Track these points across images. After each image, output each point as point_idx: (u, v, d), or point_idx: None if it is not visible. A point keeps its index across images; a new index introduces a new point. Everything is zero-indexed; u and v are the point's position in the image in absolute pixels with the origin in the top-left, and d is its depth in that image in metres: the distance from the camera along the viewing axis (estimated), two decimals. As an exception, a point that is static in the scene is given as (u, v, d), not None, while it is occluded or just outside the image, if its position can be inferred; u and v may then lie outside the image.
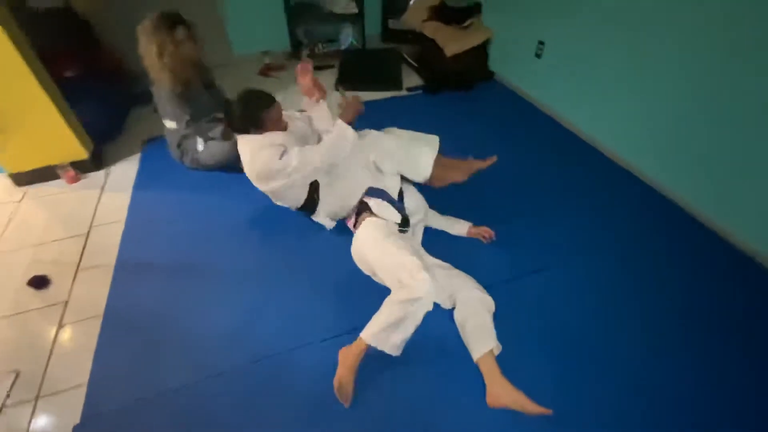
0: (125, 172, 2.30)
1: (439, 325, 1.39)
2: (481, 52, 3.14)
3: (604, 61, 2.22)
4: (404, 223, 1.53)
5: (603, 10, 2.14)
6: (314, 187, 1.68)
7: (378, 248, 1.32)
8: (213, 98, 2.20)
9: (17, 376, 1.36)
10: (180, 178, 2.21)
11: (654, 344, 1.39)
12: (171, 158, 2.21)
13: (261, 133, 1.62)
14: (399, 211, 1.55)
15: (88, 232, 1.92)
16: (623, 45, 2.08)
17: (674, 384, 1.28)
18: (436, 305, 1.26)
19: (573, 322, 1.47)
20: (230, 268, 1.71)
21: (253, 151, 1.55)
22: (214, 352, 1.40)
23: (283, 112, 1.70)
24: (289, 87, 3.18)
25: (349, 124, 1.58)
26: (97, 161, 2.31)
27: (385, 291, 1.47)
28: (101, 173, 2.30)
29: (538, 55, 2.69)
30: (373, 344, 1.18)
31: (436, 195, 1.83)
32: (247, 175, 1.63)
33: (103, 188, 2.19)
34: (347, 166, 1.61)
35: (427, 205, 1.75)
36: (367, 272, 1.50)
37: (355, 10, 3.36)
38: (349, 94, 1.80)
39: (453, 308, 1.41)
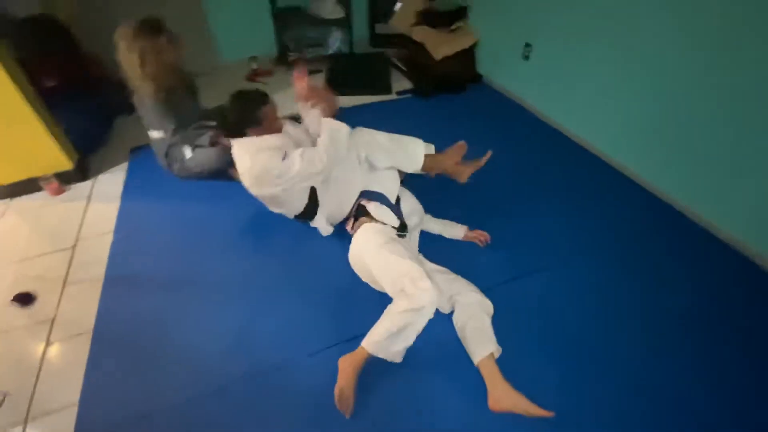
0: (112, 182, 2.25)
1: (437, 329, 1.38)
2: (468, 55, 3.17)
3: (591, 62, 2.26)
4: (402, 228, 1.52)
5: (589, 12, 2.17)
6: (314, 191, 1.66)
7: (378, 255, 1.31)
8: (197, 105, 2.17)
9: (5, 397, 1.31)
10: (169, 186, 2.17)
11: (653, 344, 1.41)
12: (159, 167, 2.17)
13: (259, 132, 1.59)
14: (397, 215, 1.54)
15: (75, 246, 1.86)
16: (610, 46, 2.11)
17: (674, 384, 1.29)
18: (435, 310, 1.26)
19: (571, 323, 1.48)
20: (223, 279, 1.68)
21: (252, 154, 1.51)
22: (210, 366, 1.36)
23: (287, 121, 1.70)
24: (277, 92, 3.15)
25: (332, 114, 1.57)
26: (82, 172, 2.26)
27: (381, 298, 1.47)
28: (87, 184, 2.24)
29: (525, 57, 2.72)
30: (374, 353, 1.17)
31: (431, 198, 1.83)
32: (242, 179, 1.59)
33: (89, 199, 2.14)
34: (343, 166, 1.58)
35: (423, 210, 1.75)
36: (364, 278, 1.49)
37: (343, 15, 3.36)
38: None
39: (451, 312, 1.41)
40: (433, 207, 1.83)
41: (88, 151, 2.40)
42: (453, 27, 3.16)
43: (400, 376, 1.30)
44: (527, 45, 2.67)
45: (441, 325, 1.39)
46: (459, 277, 1.46)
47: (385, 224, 1.49)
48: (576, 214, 1.95)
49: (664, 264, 1.70)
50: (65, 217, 2.02)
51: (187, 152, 2.06)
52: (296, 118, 1.93)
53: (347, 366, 1.20)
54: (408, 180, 1.79)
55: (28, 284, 1.66)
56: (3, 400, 1.30)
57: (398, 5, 3.59)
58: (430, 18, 3.22)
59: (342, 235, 1.77)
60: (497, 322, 1.35)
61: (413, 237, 1.67)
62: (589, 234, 1.84)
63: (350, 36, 3.51)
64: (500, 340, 1.30)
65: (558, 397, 1.23)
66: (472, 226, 1.78)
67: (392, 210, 1.55)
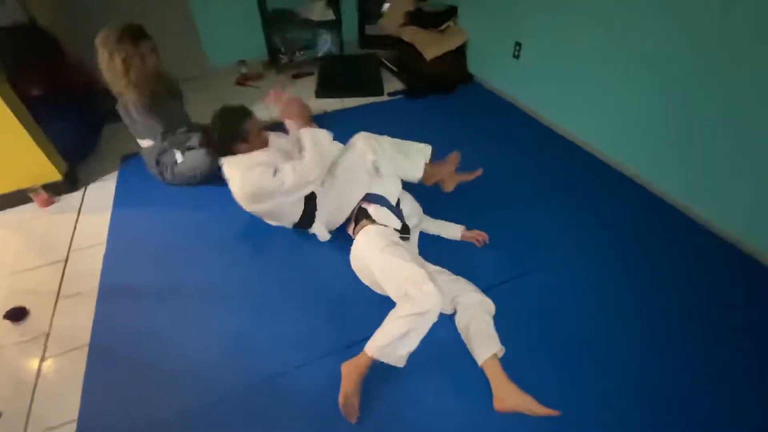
0: (103, 191, 2.21)
1: (439, 330, 1.36)
2: (459, 55, 3.18)
3: (581, 60, 2.28)
4: (404, 230, 1.52)
5: (579, 9, 2.19)
6: (311, 199, 1.65)
7: (381, 258, 1.30)
8: (184, 108, 2.14)
9: (-1, 417, 1.28)
10: (161, 194, 2.14)
11: (653, 343, 1.41)
12: (151, 174, 2.14)
13: (246, 148, 1.59)
14: (398, 218, 1.54)
15: (67, 258, 1.82)
16: (600, 42, 2.13)
17: (674, 383, 1.30)
18: (439, 313, 1.25)
19: (571, 322, 1.48)
20: (220, 286, 1.66)
21: (242, 172, 1.51)
22: (210, 377, 1.34)
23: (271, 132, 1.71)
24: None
25: (307, 123, 1.59)
26: (71, 182, 2.21)
27: (382, 302, 1.47)
28: (77, 194, 2.20)
29: (515, 56, 2.74)
30: (378, 358, 1.17)
31: (427, 200, 1.84)
32: (235, 198, 1.59)
33: (79, 210, 2.10)
34: (349, 169, 1.58)
35: (421, 211, 1.76)
36: (366, 281, 1.48)
37: (332, 17, 3.35)
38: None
39: (453, 313, 1.41)
40: (430, 208, 1.83)
41: (77, 161, 2.35)
42: (442, 27, 3.17)
43: (403, 379, 1.30)
44: (517, 44, 2.69)
45: (442, 326, 1.38)
46: (459, 277, 1.46)
47: (386, 226, 1.48)
48: (573, 213, 1.96)
49: (663, 262, 1.70)
50: (56, 229, 1.98)
51: (178, 156, 2.03)
52: (280, 125, 1.91)
53: (351, 371, 1.20)
54: (405, 182, 1.78)
55: (20, 299, 1.62)
56: (-2, 420, 1.26)
57: (386, 6, 3.59)
58: (420, 18, 3.22)
59: (339, 239, 1.76)
60: (497, 321, 1.35)
61: (413, 238, 1.67)
62: (587, 232, 1.85)
63: (340, 38, 3.50)
64: (501, 340, 1.30)
65: (559, 396, 1.22)
66: (469, 227, 1.79)
67: (393, 212, 1.54)
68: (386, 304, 1.36)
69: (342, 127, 2.09)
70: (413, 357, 1.24)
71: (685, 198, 1.95)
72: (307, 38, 3.56)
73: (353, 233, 1.55)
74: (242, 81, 3.31)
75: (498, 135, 2.57)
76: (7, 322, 1.54)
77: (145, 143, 2.06)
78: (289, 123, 1.81)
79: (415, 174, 1.67)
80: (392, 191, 1.60)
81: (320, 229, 1.74)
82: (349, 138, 1.75)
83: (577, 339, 1.43)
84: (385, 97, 3.05)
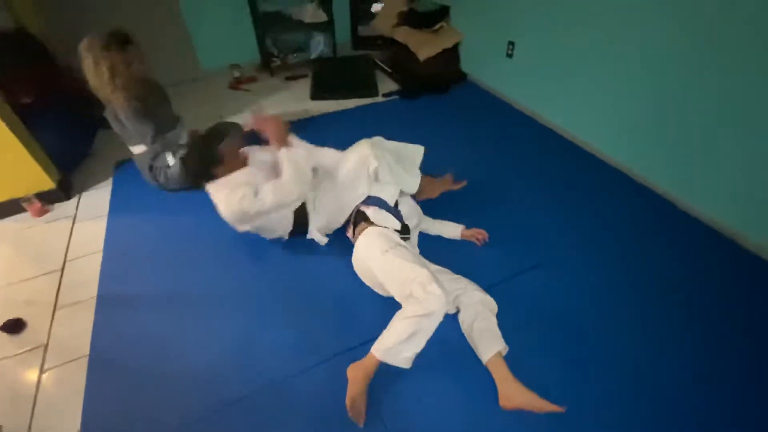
0: (97, 198, 2.18)
1: (443, 329, 1.37)
2: (452, 54, 3.19)
3: (574, 57, 2.29)
4: (404, 230, 1.52)
5: (570, 8, 2.21)
6: (301, 210, 1.66)
7: (384, 260, 1.30)
8: (172, 110, 2.12)
9: (-1, 432, 1.25)
10: (157, 200, 2.12)
11: (654, 339, 1.42)
12: (145, 180, 2.12)
13: (225, 171, 1.62)
14: (397, 218, 1.54)
15: (63, 267, 1.80)
16: (592, 40, 2.16)
17: (676, 378, 1.31)
18: (444, 314, 1.25)
19: (573, 318, 1.49)
20: (220, 292, 1.65)
21: (225, 195, 1.54)
22: (213, 384, 1.33)
23: (243, 148, 1.74)
24: (262, 99, 3.12)
25: (285, 143, 1.62)
26: (65, 190, 2.18)
27: (384, 303, 1.47)
28: (71, 202, 2.17)
29: (509, 55, 2.76)
30: (384, 360, 1.16)
31: (427, 199, 1.84)
32: (225, 220, 1.60)
33: (74, 218, 2.07)
34: (350, 172, 1.59)
35: (421, 211, 1.76)
36: (369, 283, 1.48)
37: (325, 18, 3.34)
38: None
39: (456, 312, 1.41)
40: (430, 208, 1.83)
41: (70, 168, 2.32)
42: (435, 27, 3.17)
43: (408, 379, 1.30)
44: (510, 43, 2.70)
45: (445, 325, 1.37)
46: (461, 276, 1.47)
47: (386, 228, 1.48)
48: (571, 210, 1.97)
49: (662, 258, 1.72)
50: (51, 239, 1.95)
51: (170, 159, 2.01)
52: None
53: (357, 374, 1.19)
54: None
55: (16, 311, 1.60)
56: (-2, 435, 1.24)
57: (376, 6, 3.59)
58: (412, 19, 3.23)
59: (337, 241, 1.76)
60: (499, 320, 1.35)
61: (413, 239, 1.67)
62: (586, 229, 1.86)
63: (333, 39, 3.49)
64: (504, 338, 1.31)
65: (562, 392, 1.23)
66: (469, 226, 1.79)
67: (392, 213, 1.54)
68: (389, 305, 1.36)
69: (339, 129, 2.10)
70: (418, 357, 1.24)
71: (679, 193, 1.97)
72: (299, 40, 3.55)
73: (353, 237, 1.55)
74: (236, 85, 3.29)
75: (493, 134, 2.59)
76: (4, 334, 1.52)
77: (137, 149, 2.03)
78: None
79: (411, 190, 1.72)
80: (390, 194, 1.61)
81: (317, 235, 1.74)
82: (349, 140, 1.75)
83: (579, 335, 1.44)
84: (380, 98, 3.05)
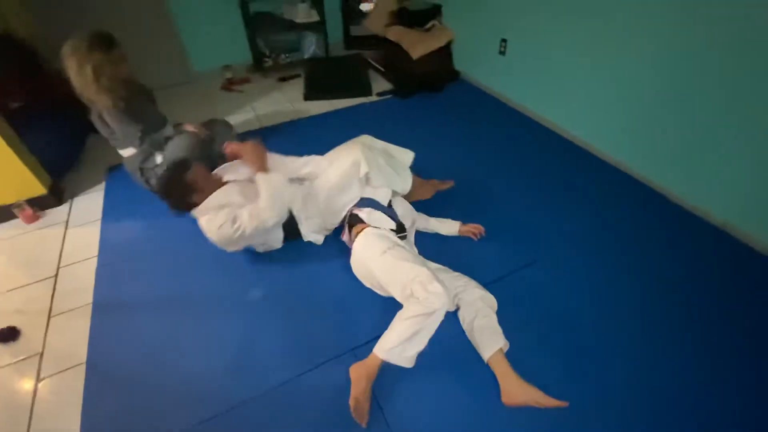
0: (90, 203, 2.15)
1: (443, 327, 1.37)
2: (445, 53, 3.19)
3: (566, 54, 2.31)
4: (400, 229, 1.52)
5: (562, 4, 2.22)
6: (289, 221, 1.66)
7: (383, 261, 1.29)
8: (158, 110, 2.11)
9: (-5, 443, 1.23)
10: (151, 203, 2.08)
11: (655, 334, 1.43)
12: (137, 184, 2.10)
13: (201, 196, 1.61)
14: (392, 218, 1.54)
15: (57, 274, 1.77)
16: (585, 36, 2.17)
17: (677, 373, 1.31)
18: (446, 312, 1.26)
19: (572, 314, 1.50)
20: (218, 296, 1.63)
21: (207, 221, 1.54)
22: (214, 390, 1.32)
23: (222, 167, 1.74)
24: (256, 99, 3.10)
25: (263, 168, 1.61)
26: (57, 195, 2.15)
27: (384, 303, 1.47)
28: (63, 208, 2.14)
29: (501, 53, 2.77)
30: (387, 360, 1.16)
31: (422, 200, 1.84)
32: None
33: (67, 224, 2.04)
34: (343, 176, 1.56)
35: (414, 210, 1.75)
36: (368, 284, 1.47)
37: (317, 18, 3.32)
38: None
39: (456, 310, 1.41)
40: (429, 208, 1.84)
41: (61, 173, 2.29)
42: (428, 26, 3.18)
43: (411, 378, 1.29)
44: (503, 40, 2.71)
45: (446, 323, 1.37)
46: (460, 274, 1.47)
47: (382, 228, 1.48)
48: (569, 206, 1.98)
49: (661, 255, 1.72)
50: (43, 245, 1.92)
51: (158, 158, 1.99)
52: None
53: (360, 375, 1.19)
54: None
55: (10, 319, 1.57)
56: (-6, 446, 1.22)
57: (364, 5, 3.59)
58: (405, 18, 3.23)
59: (336, 242, 1.75)
60: (499, 316, 1.36)
61: (410, 238, 1.67)
62: (583, 225, 1.87)
63: (325, 39, 3.48)
64: (504, 335, 1.31)
65: (564, 387, 1.23)
66: (465, 223, 1.79)
67: (386, 213, 1.54)
68: (390, 304, 1.36)
69: (334, 129, 2.10)
70: (420, 356, 1.24)
71: (677, 190, 1.99)
72: (291, 41, 3.54)
73: (349, 241, 1.55)
74: (228, 86, 3.27)
75: (488, 131, 2.59)
76: (-2, 343, 1.49)
77: (126, 153, 2.01)
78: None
79: (402, 191, 1.71)
80: (383, 195, 1.60)
81: (312, 237, 1.74)
82: (343, 140, 1.75)
83: (579, 330, 1.45)
84: (374, 98, 3.04)
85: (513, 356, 1.27)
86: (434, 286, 1.14)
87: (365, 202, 1.56)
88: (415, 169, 1.79)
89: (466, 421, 1.21)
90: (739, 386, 1.28)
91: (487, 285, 1.45)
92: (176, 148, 1.95)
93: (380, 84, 3.22)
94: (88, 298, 1.65)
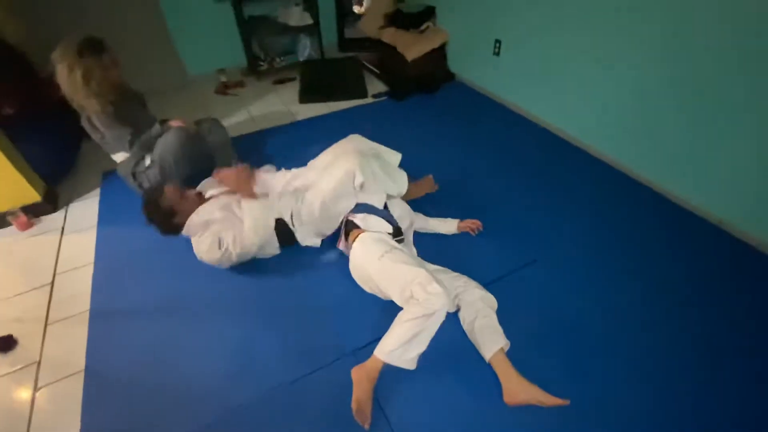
0: (86, 209, 2.14)
1: (444, 328, 1.37)
2: (440, 54, 3.21)
3: (561, 53, 2.33)
4: (397, 233, 1.52)
5: (555, 4, 2.24)
6: (285, 230, 1.67)
7: (381, 265, 1.29)
8: (149, 113, 2.10)
9: (-7, 454, 1.21)
10: (147, 209, 2.07)
11: (655, 331, 1.44)
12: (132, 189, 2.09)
13: (182, 217, 1.65)
14: (388, 221, 1.54)
15: (53, 281, 1.75)
16: (579, 36, 2.19)
17: (676, 372, 1.32)
18: (446, 313, 1.26)
19: (572, 312, 1.51)
20: (216, 300, 1.62)
21: (195, 243, 1.62)
22: (215, 395, 1.31)
23: (203, 183, 1.83)
24: (251, 103, 3.09)
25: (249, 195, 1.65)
26: (51, 202, 2.13)
27: (384, 305, 1.47)
28: (58, 215, 2.12)
29: (496, 54, 2.78)
30: (388, 362, 1.16)
31: (424, 200, 1.85)
32: None
33: (62, 231, 2.02)
34: (337, 191, 1.54)
35: (412, 211, 1.76)
36: (368, 289, 1.47)
37: (311, 21, 3.32)
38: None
39: (456, 311, 1.42)
40: (428, 209, 1.84)
41: (56, 180, 2.27)
42: (422, 28, 3.19)
43: (412, 380, 1.29)
44: (497, 41, 2.73)
45: (446, 323, 1.37)
46: (460, 274, 1.48)
47: (379, 232, 1.47)
48: (566, 205, 1.99)
49: (659, 252, 1.73)
50: (38, 253, 1.90)
51: (148, 160, 1.99)
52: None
53: (362, 377, 1.19)
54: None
55: (6, 328, 1.55)
56: (-8, 457, 1.20)
57: (356, 7, 3.60)
58: (399, 20, 3.24)
59: (334, 245, 1.75)
60: (499, 316, 1.36)
61: (407, 239, 1.67)
62: (581, 224, 1.88)
63: (320, 42, 3.48)
64: (504, 334, 1.32)
65: (565, 386, 1.23)
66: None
67: (383, 216, 1.54)
68: (390, 306, 1.36)
69: (330, 132, 2.09)
70: (421, 357, 1.24)
71: (675, 189, 2.00)
72: (286, 43, 3.54)
73: (345, 248, 1.55)
74: (223, 90, 3.26)
75: (484, 132, 2.60)
76: (-6, 353, 1.47)
77: (118, 157, 2.01)
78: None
79: (398, 194, 1.70)
80: (378, 199, 1.59)
81: (309, 241, 1.74)
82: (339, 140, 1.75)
83: (580, 329, 1.45)
84: (369, 99, 3.05)
85: (514, 356, 1.28)
86: (433, 287, 1.14)
87: (361, 208, 1.55)
88: (412, 169, 1.79)
89: (469, 421, 1.22)
90: (740, 384, 1.29)
91: (487, 285, 1.46)
92: (167, 145, 1.95)
93: (375, 86, 3.23)
94: (86, 305, 1.63)
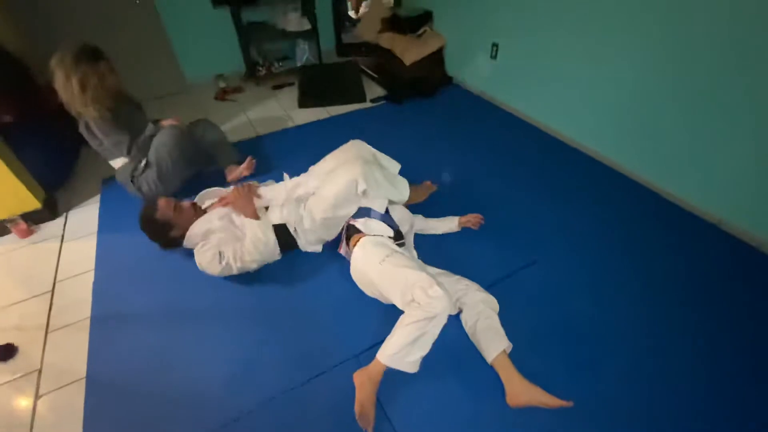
0: (85, 216, 2.13)
1: (446, 331, 1.37)
2: (437, 58, 3.23)
3: (556, 55, 2.35)
4: (398, 236, 1.52)
5: (550, 8, 2.26)
6: (286, 237, 1.67)
7: (382, 269, 1.29)
8: (146, 118, 2.11)
9: (-6, 463, 1.21)
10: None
11: (656, 329, 1.44)
12: (132, 195, 2.09)
13: (179, 231, 1.67)
14: (389, 225, 1.54)
15: (53, 289, 1.75)
16: (574, 39, 2.21)
17: (677, 373, 1.32)
18: (448, 316, 1.26)
19: (573, 312, 1.51)
20: (217, 307, 1.62)
21: (197, 252, 1.62)
22: (217, 402, 1.31)
23: (200, 195, 1.84)
24: (250, 108, 3.10)
25: (251, 213, 1.66)
26: (51, 209, 2.13)
27: (385, 309, 1.47)
28: (58, 222, 2.11)
29: (493, 57, 2.80)
30: (390, 365, 1.16)
31: (424, 202, 1.85)
32: None
33: (62, 238, 2.02)
34: (340, 198, 1.54)
35: (412, 215, 1.76)
36: (370, 293, 1.47)
37: (309, 26, 3.34)
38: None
39: (458, 313, 1.42)
40: (425, 212, 1.85)
41: (55, 187, 2.27)
42: (419, 32, 3.21)
43: (415, 383, 1.29)
44: (494, 45, 2.75)
45: (448, 326, 1.37)
46: (461, 277, 1.48)
47: (380, 236, 1.48)
48: (564, 206, 2.00)
49: (659, 252, 1.74)
50: (38, 260, 1.89)
51: (143, 162, 2.00)
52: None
53: (364, 381, 1.19)
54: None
55: (7, 336, 1.54)
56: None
57: (351, 13, 3.62)
58: (396, 24, 3.27)
59: (334, 250, 1.75)
60: (501, 318, 1.36)
61: (408, 243, 1.67)
62: (580, 225, 1.89)
63: (318, 47, 3.49)
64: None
65: (568, 387, 1.24)
66: (463, 230, 1.81)
67: (383, 220, 1.54)
68: (391, 310, 1.36)
69: (329, 137, 2.11)
70: (424, 360, 1.24)
71: (674, 189, 2.02)
72: (284, 49, 3.56)
73: (347, 253, 1.55)
74: (222, 95, 3.27)
75: (481, 134, 2.62)
76: (-5, 361, 1.47)
77: (117, 163, 2.01)
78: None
79: (400, 201, 1.69)
80: (380, 204, 1.59)
81: (310, 248, 1.74)
82: (339, 146, 1.75)
83: (582, 330, 1.46)
84: (367, 104, 3.06)
85: (516, 357, 1.28)
86: (435, 290, 1.14)
87: (362, 212, 1.56)
88: (412, 172, 1.80)
89: (472, 424, 1.22)
90: (740, 384, 1.29)
91: (487, 287, 1.46)
92: (162, 143, 1.96)
93: (374, 90, 3.24)
94: (86, 312, 1.63)
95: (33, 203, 2.04)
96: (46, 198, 2.13)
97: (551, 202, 2.02)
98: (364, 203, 1.57)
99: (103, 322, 1.59)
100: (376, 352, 1.21)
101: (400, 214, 1.67)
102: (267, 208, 1.73)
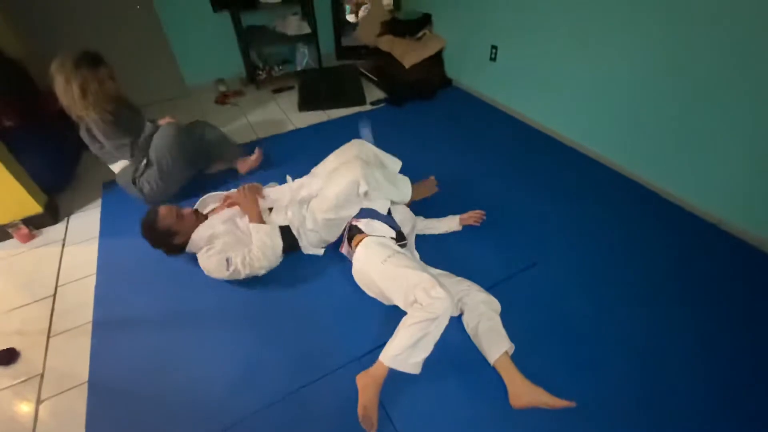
0: (87, 221, 2.14)
1: (448, 332, 1.37)
2: (437, 60, 3.24)
3: (556, 59, 2.36)
4: (400, 237, 1.52)
5: (549, 10, 2.28)
6: (290, 238, 1.67)
7: (384, 270, 1.30)
8: (145, 121, 2.12)
9: (-4, 468, 1.20)
10: (149, 219, 2.08)
11: (657, 331, 1.44)
12: (133, 198, 2.09)
13: (182, 237, 1.66)
14: (391, 226, 1.54)
15: (55, 293, 1.75)
16: (573, 40, 2.22)
17: (678, 372, 1.32)
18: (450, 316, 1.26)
19: (574, 313, 1.51)
20: (219, 310, 1.62)
21: (202, 257, 1.61)
22: (220, 405, 1.30)
23: (202, 199, 1.83)
24: (251, 112, 3.11)
25: (256, 216, 1.66)
26: (52, 213, 2.13)
27: (387, 310, 1.47)
28: (59, 226, 2.12)
29: (492, 59, 2.81)
30: (393, 367, 1.16)
31: (424, 203, 1.86)
32: None
33: (63, 242, 2.02)
34: (341, 199, 1.54)
35: (414, 216, 1.77)
36: (372, 294, 1.47)
37: (308, 30, 3.36)
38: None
39: (460, 314, 1.42)
40: (426, 213, 1.85)
41: (56, 191, 2.27)
42: (419, 35, 3.23)
43: (418, 385, 1.29)
44: (493, 47, 2.76)
45: (450, 328, 1.37)
46: (462, 279, 1.48)
47: (382, 236, 1.48)
48: (565, 207, 2.00)
49: (660, 253, 1.74)
50: (40, 264, 1.89)
51: (143, 163, 2.00)
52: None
53: (367, 383, 1.19)
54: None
55: (8, 341, 1.54)
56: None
57: (350, 16, 3.64)
58: (396, 27, 3.28)
59: (336, 251, 1.76)
60: (502, 319, 1.36)
61: (410, 243, 1.67)
62: (580, 225, 1.89)
63: (318, 51, 3.51)
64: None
65: (570, 387, 1.24)
66: (464, 231, 1.81)
67: (385, 221, 1.55)
68: (393, 312, 1.36)
69: (329, 139, 2.11)
70: (426, 362, 1.24)
71: (671, 186, 2.03)
72: (284, 53, 3.58)
73: (349, 253, 1.55)
74: (222, 99, 3.28)
75: (481, 136, 2.62)
76: (-3, 366, 1.47)
77: (116, 167, 2.02)
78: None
79: (402, 201, 1.70)
80: (381, 204, 1.60)
81: (311, 250, 1.74)
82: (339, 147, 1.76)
83: (583, 331, 1.46)
84: (368, 107, 3.07)
85: (518, 358, 1.28)
86: (437, 291, 1.15)
87: (364, 213, 1.57)
88: (412, 174, 1.80)
89: (475, 425, 1.22)
90: (740, 384, 1.30)
91: (489, 288, 1.46)
92: (162, 141, 1.97)
93: (373, 93, 3.25)
94: (88, 316, 1.63)
95: (34, 208, 2.05)
96: (48, 202, 2.14)
97: (551, 203, 2.03)
98: (366, 204, 1.58)
99: (105, 326, 1.59)
100: (378, 354, 1.21)
101: (402, 215, 1.68)
102: (270, 209, 1.74)
